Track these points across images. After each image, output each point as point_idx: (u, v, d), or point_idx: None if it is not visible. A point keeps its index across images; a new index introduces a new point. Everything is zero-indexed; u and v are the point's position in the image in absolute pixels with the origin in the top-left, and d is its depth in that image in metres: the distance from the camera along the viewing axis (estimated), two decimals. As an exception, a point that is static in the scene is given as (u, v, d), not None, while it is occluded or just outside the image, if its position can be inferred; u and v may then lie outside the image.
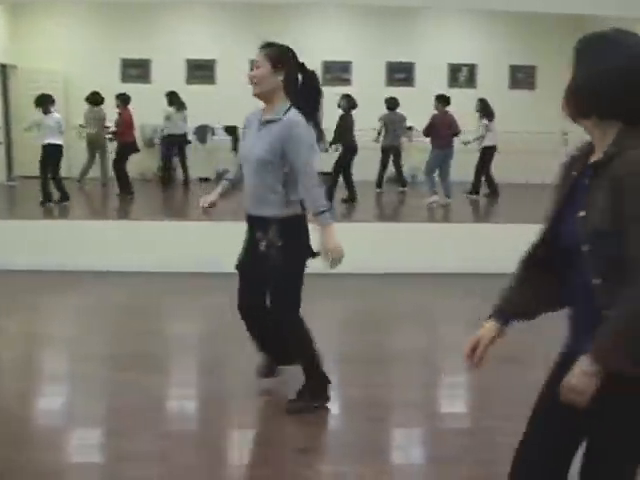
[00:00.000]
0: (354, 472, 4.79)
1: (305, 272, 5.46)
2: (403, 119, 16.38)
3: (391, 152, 16.64)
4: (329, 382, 5.72)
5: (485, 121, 15.67)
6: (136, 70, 19.50)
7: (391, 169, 17.11)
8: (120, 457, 4.92)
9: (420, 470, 5.02)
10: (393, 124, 16.23)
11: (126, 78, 19.27)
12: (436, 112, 14.80)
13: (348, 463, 4.93)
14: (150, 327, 8.07)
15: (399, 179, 17.29)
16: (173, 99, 17.29)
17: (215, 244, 10.26)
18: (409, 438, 5.50)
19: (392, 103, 16.25)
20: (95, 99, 16.38)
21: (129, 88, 17.33)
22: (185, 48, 19.20)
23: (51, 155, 13.49)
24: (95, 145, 16.59)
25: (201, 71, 19.67)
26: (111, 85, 17.51)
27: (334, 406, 5.94)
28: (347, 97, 15.22)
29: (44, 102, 13.77)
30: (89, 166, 16.72)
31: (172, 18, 18.95)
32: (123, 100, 16.03)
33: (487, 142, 15.63)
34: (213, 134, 19.54)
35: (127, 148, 15.92)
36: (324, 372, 5.69)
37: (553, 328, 8.16)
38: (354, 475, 4.76)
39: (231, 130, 19.67)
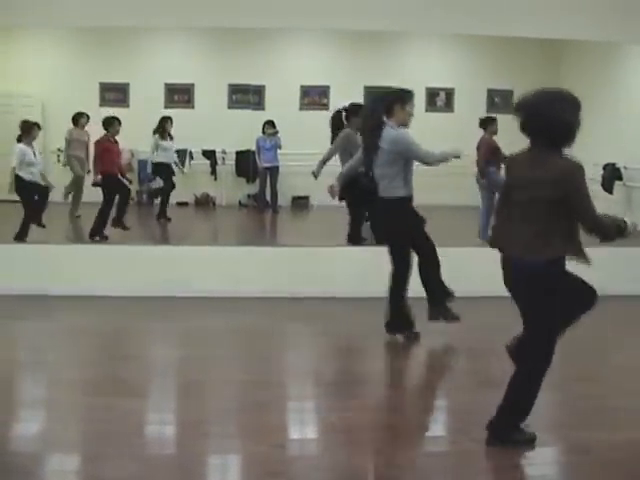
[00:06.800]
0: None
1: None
2: None
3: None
4: None
5: None
6: (114, 94, 19.48)
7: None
8: (97, 482, 4.89)
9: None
10: None
11: (104, 102, 19.24)
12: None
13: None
14: (124, 351, 8.03)
15: None
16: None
17: (186, 268, 10.29)
18: (387, 462, 5.49)
19: None
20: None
21: (107, 112, 17.31)
22: (163, 72, 19.19)
23: None
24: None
25: (179, 95, 19.68)
26: (90, 109, 17.47)
27: (309, 430, 5.95)
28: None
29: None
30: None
31: (150, 42, 18.95)
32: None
33: None
34: (191, 158, 19.49)
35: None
36: None
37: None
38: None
39: (209, 154, 19.67)
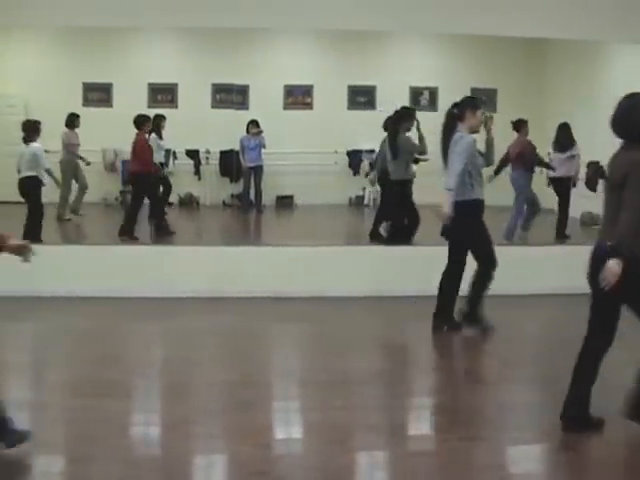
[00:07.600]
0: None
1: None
2: None
3: None
4: None
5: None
6: (98, 94, 19.43)
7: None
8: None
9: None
10: None
11: (87, 102, 19.20)
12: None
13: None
14: (110, 352, 7.98)
15: None
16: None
17: (170, 268, 10.25)
18: (373, 461, 5.48)
19: None
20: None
21: (90, 112, 17.27)
22: (147, 71, 19.15)
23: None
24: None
25: (163, 94, 19.64)
26: (73, 109, 17.40)
27: (294, 429, 5.94)
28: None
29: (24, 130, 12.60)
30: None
31: (134, 42, 18.90)
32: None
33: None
34: (175, 158, 19.42)
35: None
36: None
37: (519, 354, 8.22)
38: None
39: (193, 154, 19.63)
